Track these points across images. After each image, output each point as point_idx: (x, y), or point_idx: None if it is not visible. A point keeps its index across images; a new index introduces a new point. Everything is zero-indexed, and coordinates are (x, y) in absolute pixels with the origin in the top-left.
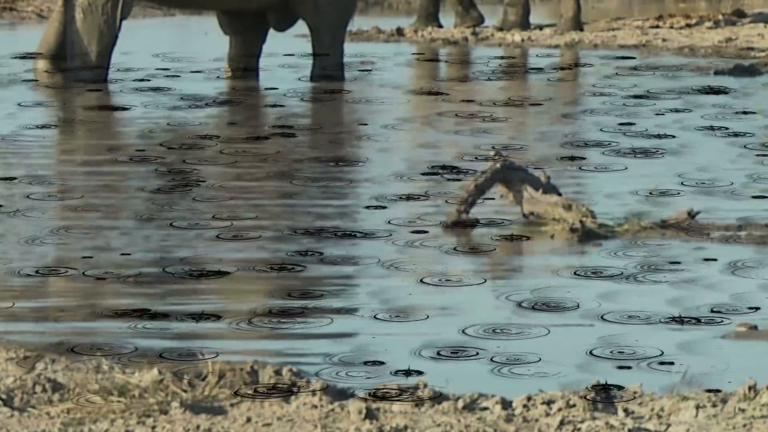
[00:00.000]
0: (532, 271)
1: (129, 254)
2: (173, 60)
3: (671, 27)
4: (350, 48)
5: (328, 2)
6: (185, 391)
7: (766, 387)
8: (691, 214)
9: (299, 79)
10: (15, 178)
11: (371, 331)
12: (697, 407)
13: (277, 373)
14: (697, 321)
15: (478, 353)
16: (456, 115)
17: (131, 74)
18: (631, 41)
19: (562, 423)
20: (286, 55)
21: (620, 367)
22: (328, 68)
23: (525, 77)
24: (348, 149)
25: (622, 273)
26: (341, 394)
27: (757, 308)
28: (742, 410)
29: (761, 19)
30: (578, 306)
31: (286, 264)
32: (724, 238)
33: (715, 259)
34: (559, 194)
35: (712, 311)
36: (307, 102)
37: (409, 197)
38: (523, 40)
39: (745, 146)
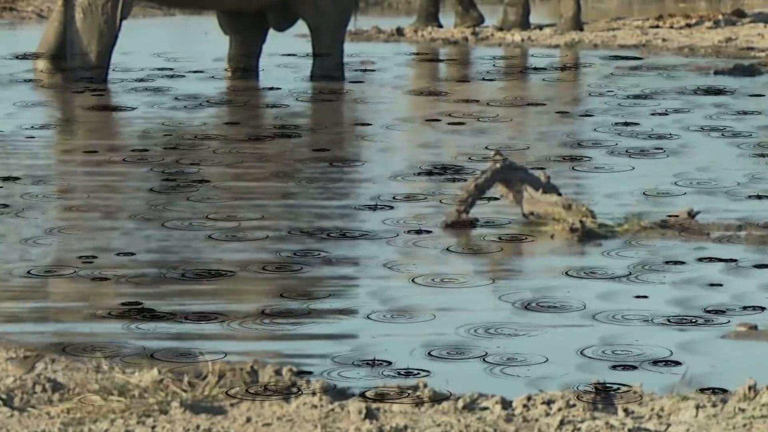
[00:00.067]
0: (532, 271)
1: (129, 254)
2: (173, 60)
3: (671, 27)
4: (350, 48)
5: (328, 2)
6: (185, 391)
7: (766, 387)
8: (691, 214)
9: (299, 79)
10: (15, 178)
11: (371, 331)
12: (697, 407)
13: (277, 373)
14: (697, 321)
15: (478, 353)
16: (456, 115)
17: (131, 74)
18: (631, 41)
19: (562, 423)
20: (286, 55)
21: (617, 367)
22: (328, 68)
23: (525, 77)
24: (348, 149)
25: (622, 273)
26: (341, 394)
27: (761, 308)
28: (742, 410)
29: (761, 19)
30: (578, 306)
31: (287, 264)
32: (724, 238)
33: (715, 259)
34: (559, 194)
35: (712, 311)
36: (307, 102)
37: (409, 197)
38: (523, 40)
39: (740, 146)
